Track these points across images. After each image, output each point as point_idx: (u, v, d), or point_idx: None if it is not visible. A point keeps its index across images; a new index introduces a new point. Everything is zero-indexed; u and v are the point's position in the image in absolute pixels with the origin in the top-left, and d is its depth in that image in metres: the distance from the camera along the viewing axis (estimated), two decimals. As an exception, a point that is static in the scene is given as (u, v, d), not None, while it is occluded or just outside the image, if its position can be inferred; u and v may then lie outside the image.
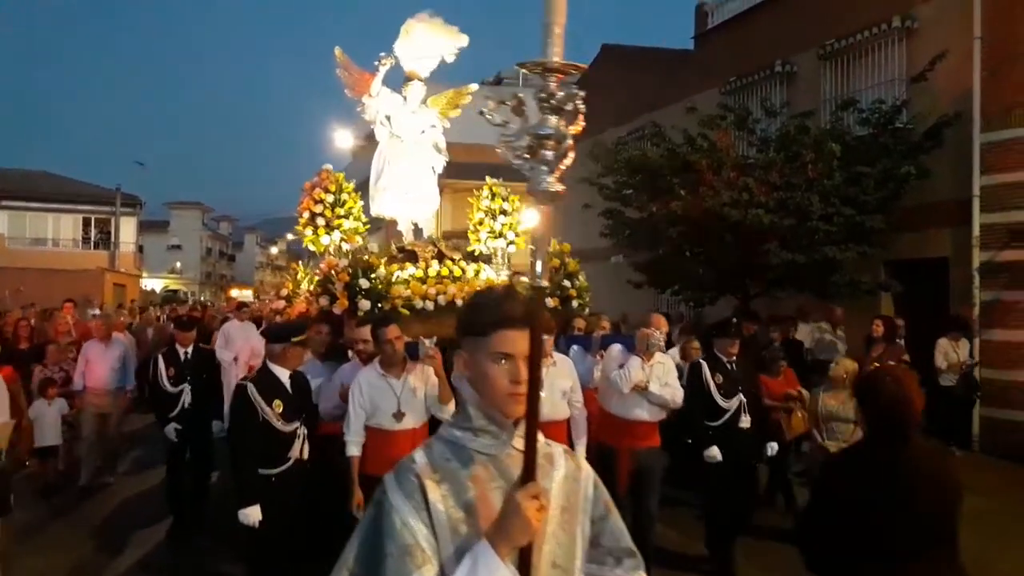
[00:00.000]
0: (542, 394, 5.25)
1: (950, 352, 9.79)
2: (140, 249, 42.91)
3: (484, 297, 1.79)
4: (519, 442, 1.66)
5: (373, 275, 6.85)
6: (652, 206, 11.40)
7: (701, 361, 6.45)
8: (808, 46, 14.10)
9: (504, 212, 8.62)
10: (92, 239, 38.34)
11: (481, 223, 8.67)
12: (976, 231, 10.78)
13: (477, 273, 7.78)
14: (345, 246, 7.48)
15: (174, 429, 7.19)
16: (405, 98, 7.90)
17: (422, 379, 5.05)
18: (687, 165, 11.70)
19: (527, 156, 1.57)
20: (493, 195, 8.68)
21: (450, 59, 8.00)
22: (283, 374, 4.96)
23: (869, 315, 10.35)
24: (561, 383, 5.67)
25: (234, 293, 40.98)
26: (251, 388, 4.81)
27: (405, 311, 6.71)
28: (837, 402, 6.51)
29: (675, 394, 6.08)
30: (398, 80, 7.92)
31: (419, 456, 1.70)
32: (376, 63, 7.69)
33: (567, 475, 1.80)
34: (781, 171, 10.98)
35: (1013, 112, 10.41)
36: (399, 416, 4.95)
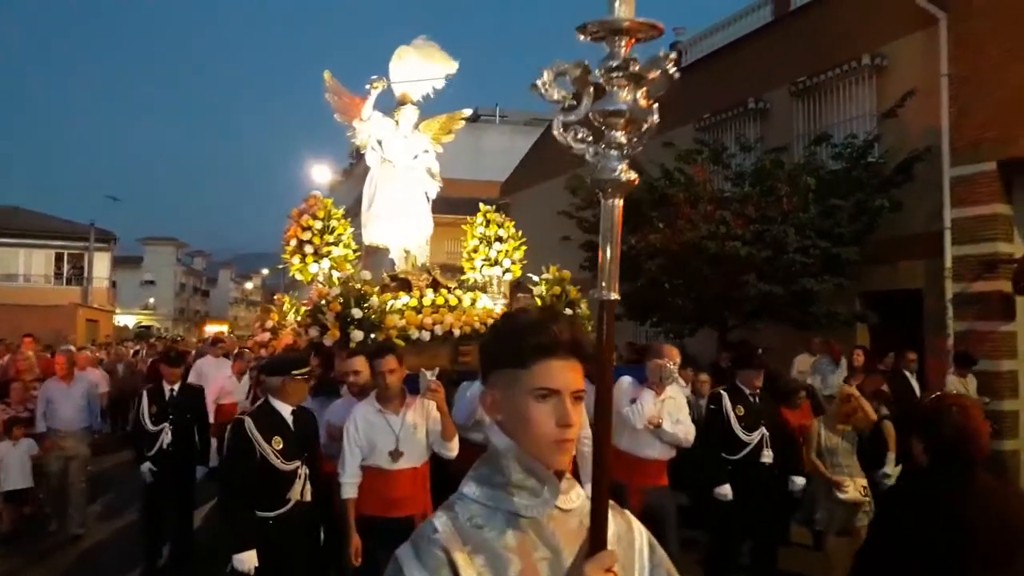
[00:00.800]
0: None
1: (960, 389, 9.76)
2: (113, 285, 42.50)
3: (521, 320, 1.49)
4: (564, 500, 1.42)
5: (366, 304, 6.51)
6: (631, 239, 11.51)
7: (722, 392, 6.16)
8: (780, 83, 14.38)
9: (500, 239, 8.34)
10: (65, 274, 37.94)
11: (476, 251, 8.40)
12: (948, 263, 10.96)
13: (474, 302, 7.52)
14: (336, 274, 7.13)
15: (149, 470, 6.83)
16: (397, 122, 7.74)
17: (422, 415, 4.74)
18: (664, 199, 11.85)
19: (590, 139, 1.33)
20: (488, 222, 8.44)
21: (439, 85, 7.91)
22: (285, 409, 4.67)
23: (846, 346, 10.48)
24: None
25: (208, 329, 40.65)
26: (249, 423, 4.53)
27: (400, 342, 6.31)
28: (837, 434, 6.39)
29: (688, 432, 5.73)
30: (388, 105, 7.84)
31: (441, 523, 1.38)
32: (367, 86, 7.53)
33: (620, 537, 1.49)
34: (757, 204, 11.15)
35: (981, 147, 10.66)
36: (396, 455, 4.62)
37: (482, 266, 8.30)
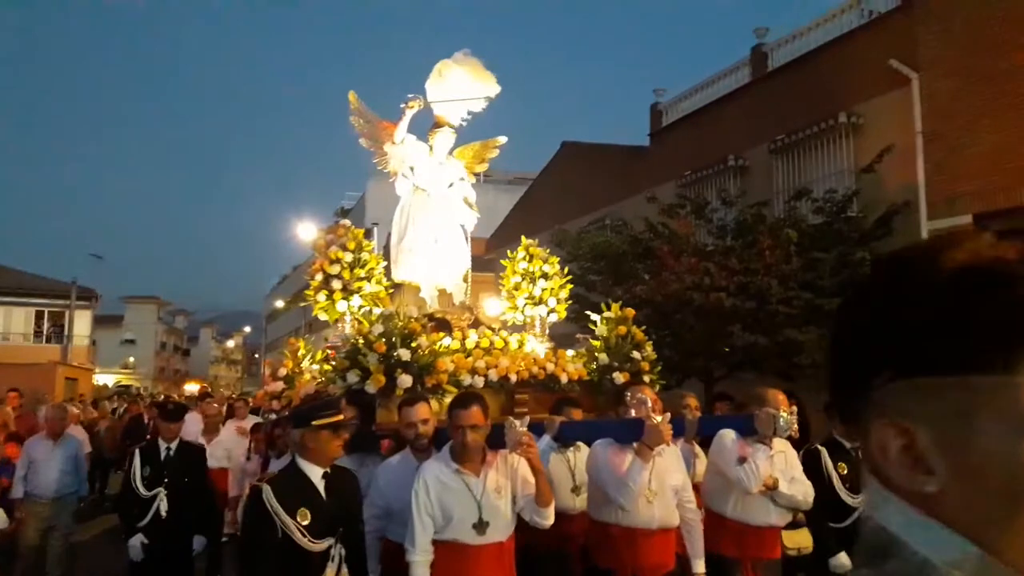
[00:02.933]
0: (649, 492, 4.33)
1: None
2: (94, 343, 42.07)
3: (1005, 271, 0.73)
4: None
5: (414, 344, 5.47)
6: (617, 291, 11.60)
7: (819, 448, 5.39)
8: (759, 141, 14.71)
9: (544, 275, 7.44)
10: (44, 332, 37.57)
11: (517, 288, 7.49)
12: (929, 314, 11.11)
13: (521, 344, 6.65)
14: (377, 310, 6.08)
15: (140, 543, 5.84)
16: (431, 147, 7.04)
17: (507, 475, 3.98)
18: (649, 251, 12.02)
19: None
20: (531, 256, 7.54)
21: (477, 108, 7.19)
22: (314, 472, 3.72)
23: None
24: (673, 478, 4.51)
25: (188, 388, 40.19)
26: (267, 492, 3.56)
27: (452, 388, 5.51)
28: None
29: (807, 492, 4.89)
30: (418, 129, 7.17)
31: None
32: (402, 105, 6.82)
33: None
34: (740, 257, 11.32)
35: (956, 201, 10.91)
36: (481, 527, 3.80)
37: (524, 305, 7.43)
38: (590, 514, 4.64)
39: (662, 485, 4.37)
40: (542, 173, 22.95)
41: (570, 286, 7.70)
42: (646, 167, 17.95)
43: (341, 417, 3.82)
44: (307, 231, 32.70)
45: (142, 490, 5.98)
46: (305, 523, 3.58)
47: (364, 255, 6.65)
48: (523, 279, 7.48)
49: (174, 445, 6.27)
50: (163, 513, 5.95)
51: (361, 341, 5.44)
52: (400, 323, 5.52)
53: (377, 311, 6.00)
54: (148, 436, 9.20)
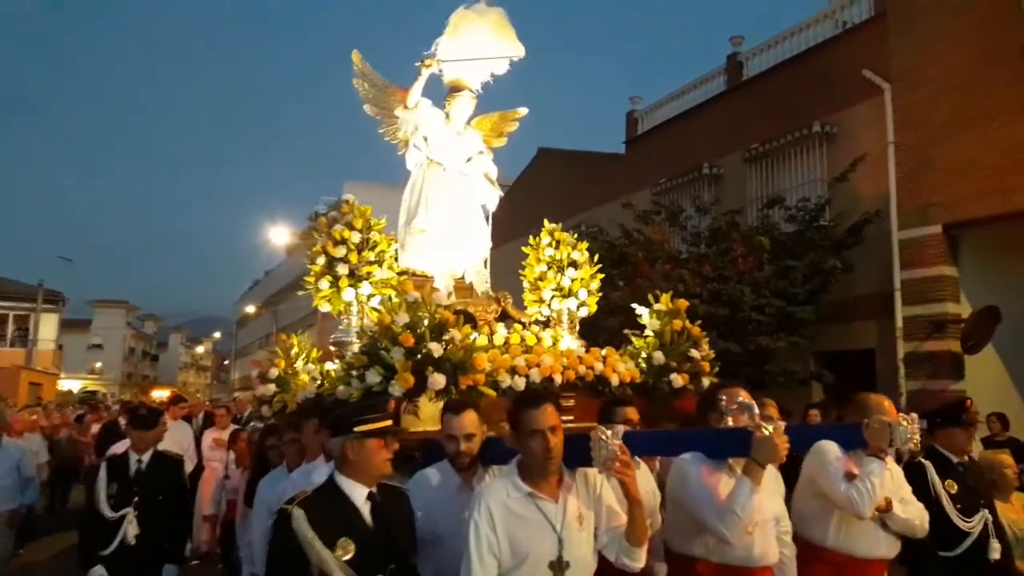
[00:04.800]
0: (753, 524, 3.45)
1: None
2: (60, 347, 41.40)
3: None
4: None
5: (446, 338, 4.58)
6: (591, 297, 11.57)
7: (924, 462, 4.52)
8: (733, 150, 14.80)
9: (574, 264, 6.53)
10: (8, 336, 36.88)
11: (543, 278, 6.57)
12: (899, 323, 11.22)
13: (556, 341, 5.84)
14: (410, 296, 4.87)
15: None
16: (447, 115, 6.19)
17: (589, 501, 3.16)
18: (624, 258, 12.03)
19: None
20: (557, 243, 6.64)
21: (500, 70, 6.34)
22: (358, 492, 3.05)
23: (802, 404, 10.58)
24: (773, 504, 3.69)
25: (155, 394, 39.64)
26: (299, 518, 2.87)
27: (490, 391, 4.67)
28: (1017, 514, 4.78)
29: (923, 516, 4.05)
30: (429, 96, 6.27)
31: None
32: (417, 63, 5.94)
33: None
34: (713, 264, 11.36)
35: (928, 210, 11.02)
36: (561, 568, 2.99)
37: (552, 298, 6.51)
38: (669, 545, 3.79)
39: (763, 513, 3.48)
40: (518, 179, 22.93)
41: (601, 275, 6.79)
42: (622, 174, 17.98)
43: (391, 422, 3.17)
44: (280, 235, 32.40)
45: (107, 511, 5.02)
46: (347, 558, 2.88)
47: (374, 235, 5.82)
48: (549, 268, 6.58)
49: (147, 457, 5.29)
50: (131, 539, 4.99)
51: (383, 334, 4.58)
52: (429, 312, 4.66)
53: (413, 297, 4.90)
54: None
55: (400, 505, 3.24)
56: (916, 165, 11.20)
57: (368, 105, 6.14)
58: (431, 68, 5.93)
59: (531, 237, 6.87)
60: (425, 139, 6.07)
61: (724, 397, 3.74)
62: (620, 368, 5.55)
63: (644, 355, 5.84)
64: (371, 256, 5.74)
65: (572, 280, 6.50)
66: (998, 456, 5.16)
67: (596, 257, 6.95)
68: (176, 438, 8.61)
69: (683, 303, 6.11)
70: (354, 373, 4.60)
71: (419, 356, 4.47)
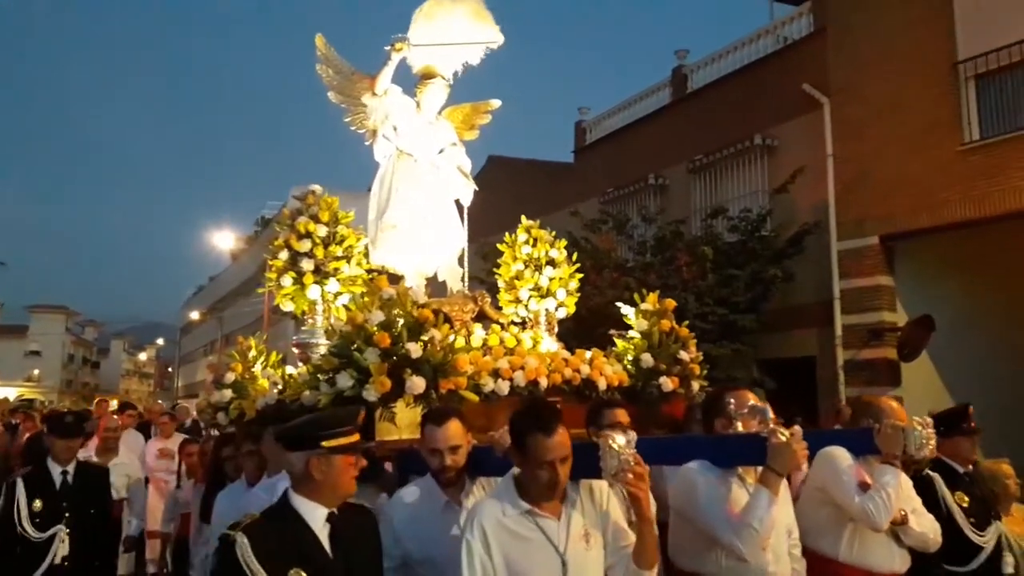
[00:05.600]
0: (767, 539, 3.14)
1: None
2: (-6, 354, 40.24)
3: None
4: None
5: (426, 337, 4.22)
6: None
7: (931, 474, 4.26)
8: (678, 161, 15.07)
9: (552, 263, 6.22)
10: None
11: (519, 278, 6.20)
12: (839, 331, 11.53)
13: (536, 343, 5.44)
14: (386, 293, 4.41)
15: None
16: (418, 104, 5.77)
17: (596, 517, 2.88)
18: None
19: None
20: (535, 240, 6.30)
21: (474, 59, 5.94)
22: (316, 514, 2.63)
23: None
24: (786, 516, 3.44)
25: (113, 404, 38.67)
26: (242, 546, 2.46)
27: (471, 395, 4.34)
28: (1020, 527, 4.54)
29: (935, 528, 3.85)
30: (401, 84, 5.85)
31: None
32: (387, 47, 5.52)
33: None
34: (659, 272, 11.56)
35: (865, 222, 11.35)
36: None
37: (529, 298, 6.15)
38: (674, 563, 3.50)
39: (776, 526, 3.22)
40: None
41: (580, 275, 6.52)
42: (570, 183, 18.17)
43: (358, 437, 2.75)
44: (225, 240, 31.86)
45: (31, 532, 4.51)
46: None
47: (341, 229, 5.50)
48: (526, 267, 6.23)
49: (71, 468, 4.85)
50: (62, 560, 4.52)
51: (355, 333, 4.20)
52: (406, 310, 4.27)
53: (387, 294, 4.47)
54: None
55: (363, 528, 2.80)
56: (854, 178, 11.55)
57: (333, 92, 5.78)
58: (402, 52, 5.53)
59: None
60: (395, 129, 5.66)
61: (733, 401, 3.47)
62: (607, 371, 5.27)
63: (630, 357, 5.57)
64: (338, 251, 5.41)
65: (550, 279, 6.17)
66: (1000, 466, 4.83)
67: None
68: (127, 448, 8.12)
69: (671, 303, 5.81)
70: (322, 377, 4.23)
71: (396, 358, 4.10)
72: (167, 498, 6.99)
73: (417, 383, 4.04)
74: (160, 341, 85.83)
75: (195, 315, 52.96)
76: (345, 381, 4.08)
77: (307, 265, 5.26)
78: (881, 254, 11.32)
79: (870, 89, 11.40)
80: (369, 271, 5.56)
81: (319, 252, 5.30)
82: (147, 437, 9.30)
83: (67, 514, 4.69)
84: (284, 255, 5.32)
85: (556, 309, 6.20)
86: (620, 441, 2.69)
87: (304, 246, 5.27)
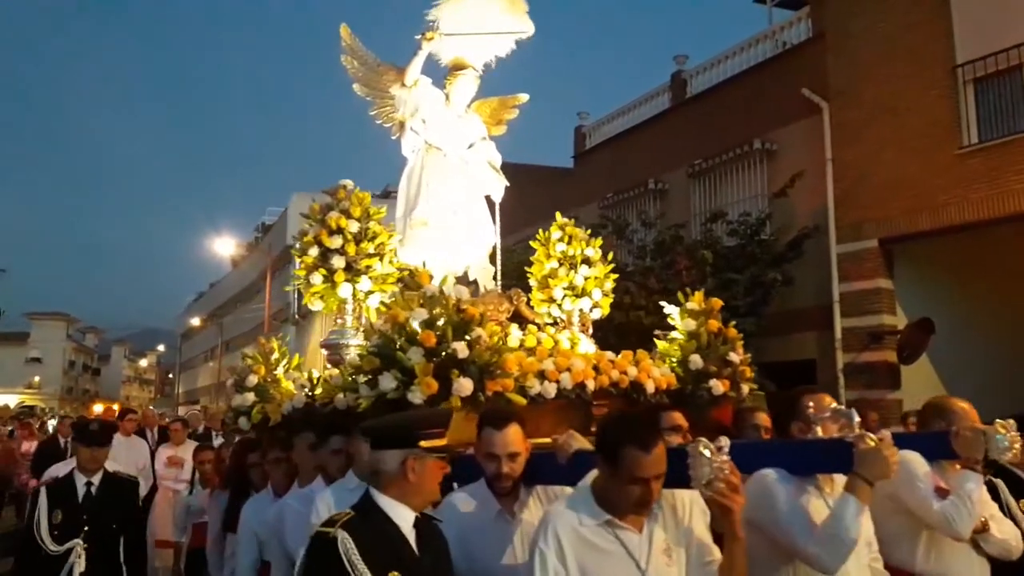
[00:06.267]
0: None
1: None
2: (-5, 361, 40.26)
3: None
4: None
5: (473, 336, 3.96)
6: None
7: (995, 481, 3.93)
8: (678, 165, 15.11)
9: (587, 261, 5.89)
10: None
11: (553, 276, 5.90)
12: (838, 335, 11.55)
13: (574, 345, 5.20)
14: (428, 289, 4.15)
15: None
16: (447, 96, 5.54)
17: (679, 532, 2.68)
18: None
19: None
20: (569, 238, 5.99)
21: (503, 52, 5.67)
22: (405, 517, 2.52)
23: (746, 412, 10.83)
24: (867, 527, 3.10)
25: (96, 409, 38.68)
26: (345, 543, 2.37)
27: (519, 398, 4.01)
28: None
29: (1017, 535, 3.62)
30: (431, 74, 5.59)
31: None
32: (418, 37, 5.27)
33: None
34: (658, 276, 11.58)
35: (863, 225, 11.38)
36: None
37: (564, 297, 5.85)
38: None
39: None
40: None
41: (615, 275, 6.24)
42: (570, 188, 18.21)
43: (446, 440, 2.64)
44: (225, 247, 31.92)
45: (50, 544, 4.31)
46: None
47: (373, 225, 5.24)
48: (561, 265, 5.92)
49: (97, 479, 4.61)
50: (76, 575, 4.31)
51: (402, 331, 3.94)
52: (450, 308, 4.01)
53: (425, 290, 4.24)
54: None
55: (439, 535, 2.70)
56: (853, 181, 11.58)
57: (358, 85, 5.57)
58: (433, 41, 5.26)
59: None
60: (423, 122, 5.42)
61: (812, 404, 3.21)
62: (655, 373, 4.96)
63: (674, 359, 5.25)
64: (370, 248, 5.16)
65: (586, 278, 5.85)
66: None
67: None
68: (129, 456, 8.01)
69: (717, 302, 5.44)
70: (362, 379, 3.96)
71: (441, 357, 3.85)
72: (178, 506, 6.75)
73: (464, 384, 3.78)
74: (161, 347, 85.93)
75: (196, 321, 53.02)
76: (388, 383, 3.82)
77: (338, 262, 5.02)
78: (880, 257, 11.35)
79: (869, 93, 11.44)
80: (405, 268, 5.20)
81: (351, 249, 5.06)
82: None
83: (86, 527, 4.41)
84: (314, 251, 5.06)
85: (591, 310, 5.89)
86: (712, 448, 2.47)
87: (335, 242, 5.03)
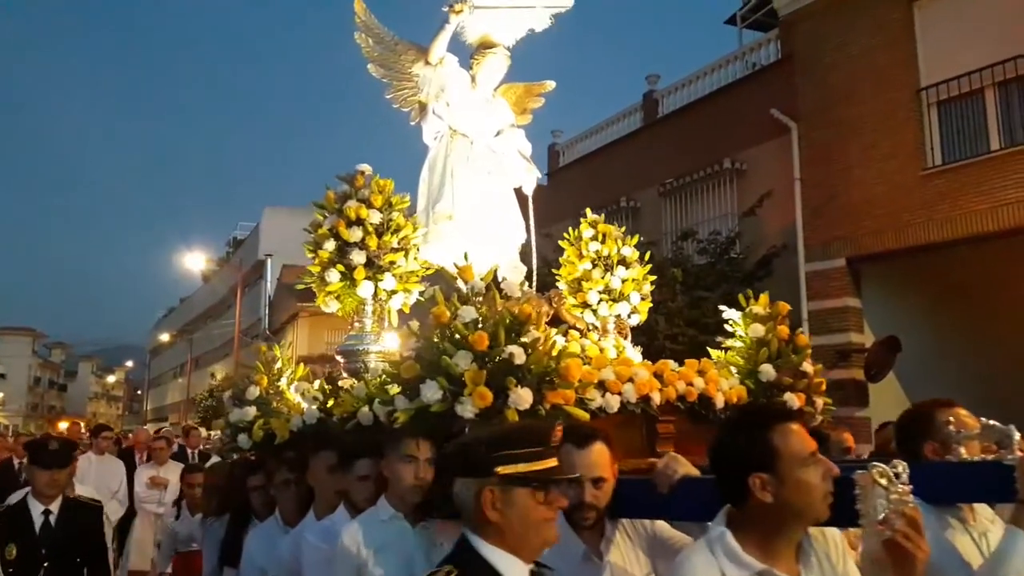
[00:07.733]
0: None
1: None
2: (-43, 377, 39.50)
3: None
4: None
5: (527, 338, 3.32)
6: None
7: None
8: (649, 184, 15.24)
9: (623, 263, 5.28)
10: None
11: (588, 278, 5.22)
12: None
13: (620, 353, 4.60)
14: (475, 285, 3.53)
15: None
16: (473, 78, 4.99)
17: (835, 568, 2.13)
18: (545, 286, 12.21)
19: None
20: (603, 237, 5.34)
21: (540, 27, 5.07)
22: (513, 571, 1.95)
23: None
24: None
25: (61, 426, 38.02)
26: None
27: (580, 412, 3.30)
28: None
29: None
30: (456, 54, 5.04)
31: None
32: (445, 9, 4.75)
33: None
34: (630, 294, 11.63)
35: (831, 244, 11.52)
36: None
37: (600, 302, 5.19)
38: None
39: None
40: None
41: (653, 276, 5.62)
42: (543, 205, 18.25)
43: (555, 463, 2.01)
44: (196, 261, 31.60)
45: None
46: None
47: (396, 217, 4.61)
48: (595, 267, 5.28)
49: (56, 506, 4.10)
50: None
51: (447, 332, 3.36)
52: (502, 306, 3.41)
53: (471, 286, 3.61)
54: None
55: None
56: (821, 201, 11.73)
57: (373, 65, 5.05)
58: (461, 14, 4.75)
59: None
60: (448, 105, 4.88)
61: (952, 419, 2.64)
62: (724, 386, 4.30)
63: (734, 370, 4.63)
64: (393, 242, 4.54)
65: (623, 281, 5.24)
66: None
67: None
68: (101, 478, 7.37)
69: (784, 306, 4.70)
70: (393, 390, 3.41)
71: (495, 363, 3.26)
72: (163, 533, 6.21)
73: (523, 396, 3.16)
74: (129, 363, 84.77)
75: (165, 337, 52.38)
76: (433, 393, 3.21)
77: (358, 257, 4.40)
78: (848, 276, 11.49)
79: (836, 114, 11.62)
80: (430, 266, 4.79)
81: (372, 243, 4.44)
82: (129, 467, 8.32)
83: (45, 563, 3.92)
84: (330, 245, 4.44)
85: (629, 316, 5.24)
86: (890, 475, 1.94)
87: (355, 235, 4.41)
